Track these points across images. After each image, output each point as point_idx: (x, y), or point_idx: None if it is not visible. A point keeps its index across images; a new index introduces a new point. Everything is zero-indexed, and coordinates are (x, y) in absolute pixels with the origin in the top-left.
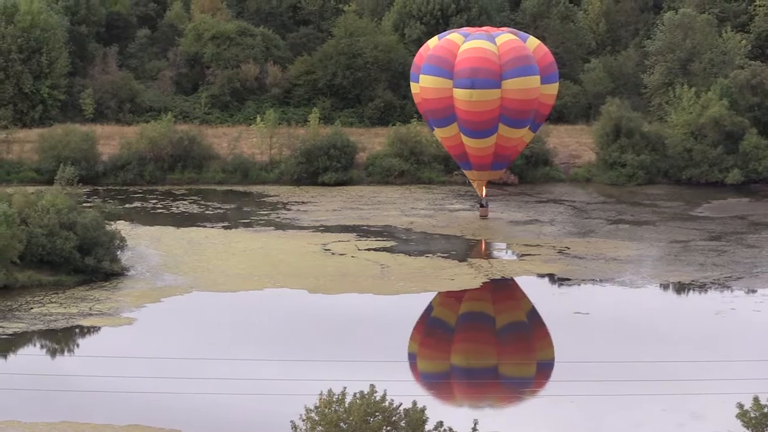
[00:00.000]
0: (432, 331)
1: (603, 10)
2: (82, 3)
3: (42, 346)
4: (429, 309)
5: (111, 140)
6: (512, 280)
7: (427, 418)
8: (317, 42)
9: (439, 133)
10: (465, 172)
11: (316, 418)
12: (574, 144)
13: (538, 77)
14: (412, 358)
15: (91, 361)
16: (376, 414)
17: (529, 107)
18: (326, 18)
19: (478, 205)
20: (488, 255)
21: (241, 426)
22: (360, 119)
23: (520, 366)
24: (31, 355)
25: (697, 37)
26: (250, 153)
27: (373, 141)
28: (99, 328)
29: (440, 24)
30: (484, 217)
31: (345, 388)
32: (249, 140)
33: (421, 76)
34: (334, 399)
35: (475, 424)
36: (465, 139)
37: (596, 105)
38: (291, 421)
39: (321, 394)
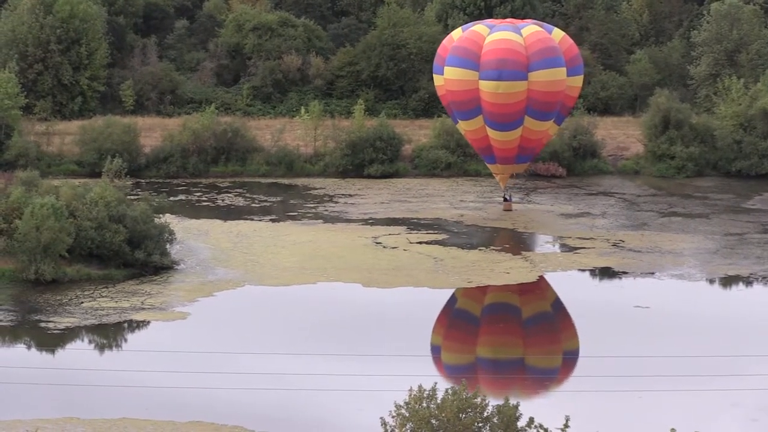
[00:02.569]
0: (456, 322)
1: (647, 1)
2: None
3: (96, 342)
4: (453, 301)
5: (152, 132)
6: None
7: (521, 414)
8: (359, 33)
9: (464, 126)
10: (488, 165)
11: (407, 415)
12: (621, 136)
13: (564, 69)
14: (435, 350)
15: (146, 357)
16: (468, 410)
17: (556, 99)
18: (365, 9)
19: (502, 199)
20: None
21: (302, 422)
22: (404, 111)
23: (550, 357)
24: (85, 350)
25: (744, 28)
26: (294, 145)
27: (417, 133)
28: (153, 322)
29: (483, 14)
30: (508, 210)
31: (435, 383)
32: (293, 132)
33: (446, 68)
34: (425, 395)
35: (566, 421)
36: (490, 131)
37: (642, 96)
38: (381, 418)
39: (411, 389)
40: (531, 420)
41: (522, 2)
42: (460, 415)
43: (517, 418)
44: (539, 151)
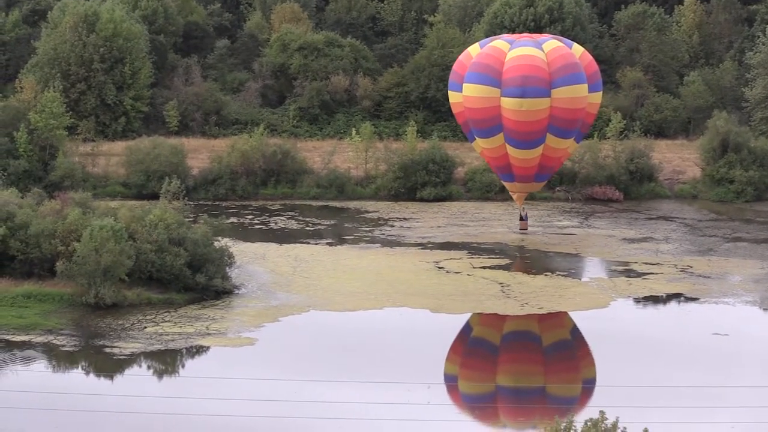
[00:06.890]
0: (472, 350)
1: (696, 22)
2: (159, 12)
3: (165, 368)
4: (468, 328)
5: (198, 153)
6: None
7: None
8: (406, 53)
9: (482, 144)
10: (505, 183)
11: None
12: (676, 159)
13: (586, 85)
14: (451, 379)
15: (217, 384)
16: None
17: (578, 116)
18: (406, 29)
19: (519, 219)
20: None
21: None
22: (454, 133)
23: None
24: (147, 376)
25: None
26: (344, 167)
27: (469, 155)
28: (220, 348)
29: None
30: (524, 230)
31: (573, 415)
32: (342, 154)
33: (465, 85)
34: (562, 426)
35: None
36: (510, 149)
37: (696, 119)
38: None
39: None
40: None
41: (572, 23)
42: None
43: None
44: (557, 169)
